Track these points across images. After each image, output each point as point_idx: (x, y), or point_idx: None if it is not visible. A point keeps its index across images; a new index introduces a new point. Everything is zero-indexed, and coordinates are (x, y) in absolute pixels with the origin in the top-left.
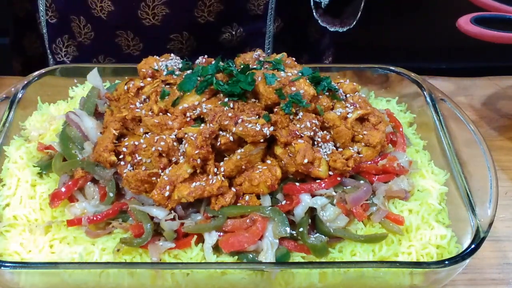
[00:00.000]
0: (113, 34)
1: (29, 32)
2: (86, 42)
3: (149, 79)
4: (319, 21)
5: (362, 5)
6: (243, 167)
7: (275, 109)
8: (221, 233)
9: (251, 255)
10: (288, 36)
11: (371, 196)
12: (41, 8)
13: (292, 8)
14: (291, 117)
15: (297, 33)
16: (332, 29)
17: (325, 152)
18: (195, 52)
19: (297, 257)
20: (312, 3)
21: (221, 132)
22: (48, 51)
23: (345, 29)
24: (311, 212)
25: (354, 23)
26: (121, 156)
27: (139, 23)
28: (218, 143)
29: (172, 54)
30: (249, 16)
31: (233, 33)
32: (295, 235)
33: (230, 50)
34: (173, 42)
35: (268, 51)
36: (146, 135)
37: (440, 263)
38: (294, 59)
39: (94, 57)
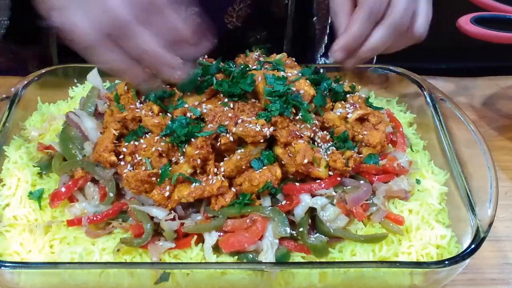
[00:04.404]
0: None
1: None
2: None
3: None
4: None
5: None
6: (243, 167)
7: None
8: (221, 233)
9: (251, 255)
10: (300, 38)
11: (371, 196)
12: None
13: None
14: (291, 117)
15: (307, 34)
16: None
17: (325, 152)
18: (224, 55)
19: (297, 257)
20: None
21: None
22: None
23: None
24: (311, 212)
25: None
26: (121, 156)
27: None
28: (218, 143)
29: None
30: (272, 20)
31: (258, 37)
32: (295, 235)
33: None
34: None
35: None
36: (146, 135)
37: (440, 263)
38: (294, 59)
39: None
